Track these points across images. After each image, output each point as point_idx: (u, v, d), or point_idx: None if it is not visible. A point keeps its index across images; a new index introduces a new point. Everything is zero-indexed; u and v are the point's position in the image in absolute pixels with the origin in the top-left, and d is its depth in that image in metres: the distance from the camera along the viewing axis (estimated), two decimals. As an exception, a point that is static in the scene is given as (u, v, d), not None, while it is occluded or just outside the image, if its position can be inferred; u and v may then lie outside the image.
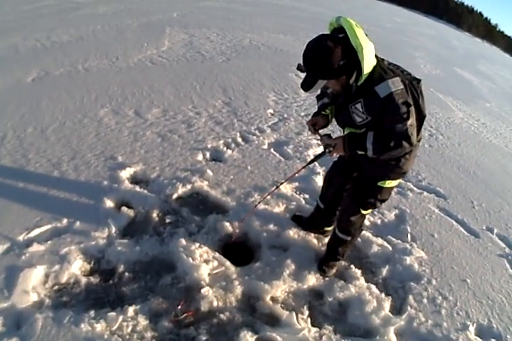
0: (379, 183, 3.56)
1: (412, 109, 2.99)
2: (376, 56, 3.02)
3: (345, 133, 3.44)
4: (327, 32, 3.08)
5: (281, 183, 4.44)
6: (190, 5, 20.14)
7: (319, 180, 5.57)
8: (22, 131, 5.85)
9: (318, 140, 4.13)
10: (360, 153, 3.28)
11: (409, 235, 5.06)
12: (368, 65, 2.90)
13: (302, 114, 8.33)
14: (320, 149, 6.34)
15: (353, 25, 2.83)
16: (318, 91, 3.57)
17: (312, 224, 4.66)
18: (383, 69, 3.01)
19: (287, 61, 12.15)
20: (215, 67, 10.42)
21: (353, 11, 36.48)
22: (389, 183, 3.59)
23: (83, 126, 6.23)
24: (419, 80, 3.15)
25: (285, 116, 8.02)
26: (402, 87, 2.94)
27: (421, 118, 3.15)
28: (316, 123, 3.68)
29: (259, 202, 4.32)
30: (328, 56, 2.82)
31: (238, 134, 6.76)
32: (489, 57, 40.27)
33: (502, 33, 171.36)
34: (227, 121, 7.19)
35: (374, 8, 51.79)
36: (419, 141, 3.32)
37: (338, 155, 3.88)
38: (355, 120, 3.24)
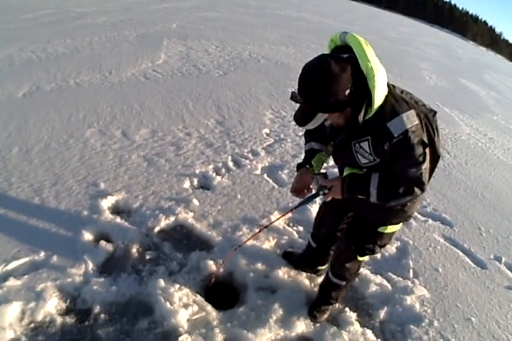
0: (379, 229, 3.10)
1: (428, 149, 2.50)
2: (387, 83, 2.48)
3: (345, 173, 2.92)
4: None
5: (265, 226, 3.87)
6: (191, 15, 20.00)
7: (315, 210, 4.97)
8: (7, 151, 5.63)
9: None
10: (360, 197, 2.82)
11: (411, 271, 4.67)
12: (380, 95, 2.38)
13: (300, 133, 7.84)
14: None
15: (362, 44, 2.28)
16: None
17: (304, 262, 4.28)
18: (396, 100, 2.49)
19: (287, 75, 11.87)
20: (210, 83, 10.13)
21: (357, 21, 36.58)
22: (391, 228, 3.12)
23: (68, 147, 5.95)
24: (434, 113, 2.62)
25: (282, 136, 7.64)
26: (417, 122, 2.43)
27: (435, 159, 2.62)
28: (301, 190, 3.24)
29: (239, 246, 3.81)
30: (333, 84, 2.21)
31: (230, 158, 6.40)
32: (494, 67, 39.99)
33: (506, 41, 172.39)
34: (218, 143, 6.85)
35: (379, 18, 51.90)
36: None
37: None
38: (358, 161, 2.72)
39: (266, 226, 3.79)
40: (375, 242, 3.20)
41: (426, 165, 2.53)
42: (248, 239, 3.86)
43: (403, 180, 2.59)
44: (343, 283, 3.64)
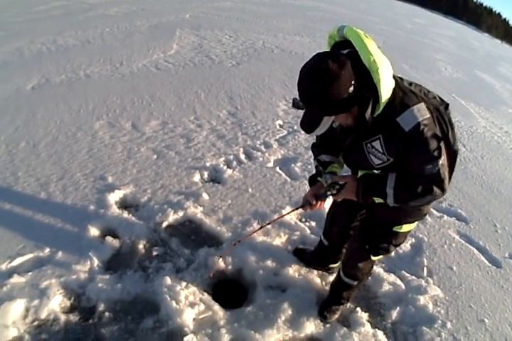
0: (395, 228, 2.94)
1: (443, 143, 2.33)
2: (393, 76, 2.31)
3: (360, 174, 2.78)
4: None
5: (268, 223, 3.65)
6: (204, 5, 19.82)
7: (328, 206, 4.81)
8: (15, 145, 5.59)
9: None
10: (376, 199, 2.64)
11: (425, 269, 4.55)
12: (386, 89, 2.21)
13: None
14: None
15: (362, 37, 2.15)
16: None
17: (315, 260, 4.16)
18: (404, 93, 2.32)
19: (301, 65, 11.61)
20: (223, 73, 9.99)
21: (372, 11, 36.25)
22: (406, 227, 2.96)
23: (76, 140, 5.88)
24: (446, 105, 2.44)
25: (295, 128, 7.46)
26: (429, 115, 2.26)
27: (452, 154, 2.43)
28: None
29: (239, 241, 3.59)
30: (333, 83, 2.07)
31: (241, 150, 6.29)
32: (509, 59, 39.39)
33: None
34: (230, 135, 6.73)
35: (394, 8, 51.34)
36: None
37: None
38: (372, 162, 2.55)
39: (269, 223, 3.62)
40: (390, 242, 3.05)
41: (443, 161, 2.36)
42: (248, 235, 3.75)
43: (421, 178, 2.42)
44: (355, 282, 3.52)
